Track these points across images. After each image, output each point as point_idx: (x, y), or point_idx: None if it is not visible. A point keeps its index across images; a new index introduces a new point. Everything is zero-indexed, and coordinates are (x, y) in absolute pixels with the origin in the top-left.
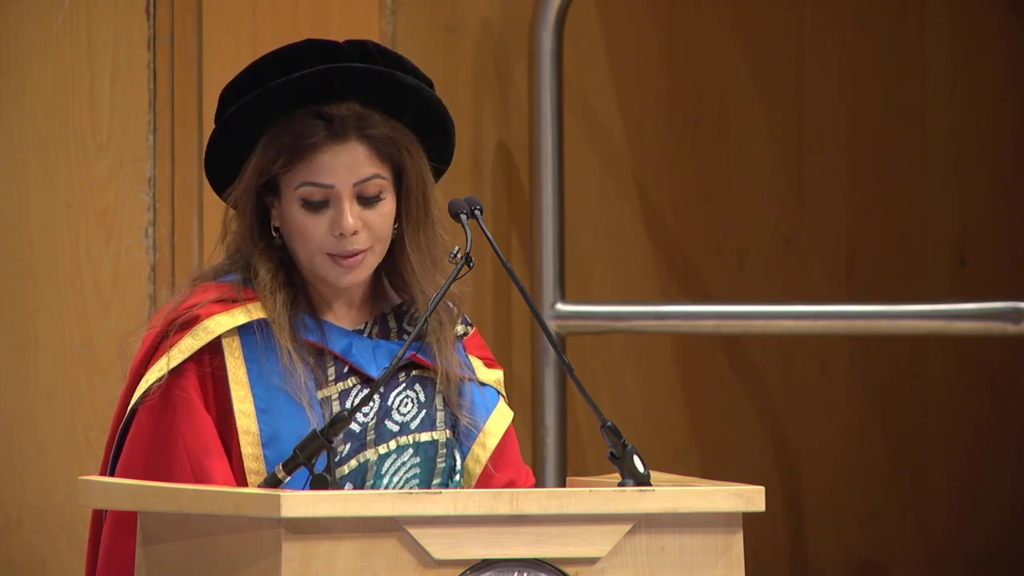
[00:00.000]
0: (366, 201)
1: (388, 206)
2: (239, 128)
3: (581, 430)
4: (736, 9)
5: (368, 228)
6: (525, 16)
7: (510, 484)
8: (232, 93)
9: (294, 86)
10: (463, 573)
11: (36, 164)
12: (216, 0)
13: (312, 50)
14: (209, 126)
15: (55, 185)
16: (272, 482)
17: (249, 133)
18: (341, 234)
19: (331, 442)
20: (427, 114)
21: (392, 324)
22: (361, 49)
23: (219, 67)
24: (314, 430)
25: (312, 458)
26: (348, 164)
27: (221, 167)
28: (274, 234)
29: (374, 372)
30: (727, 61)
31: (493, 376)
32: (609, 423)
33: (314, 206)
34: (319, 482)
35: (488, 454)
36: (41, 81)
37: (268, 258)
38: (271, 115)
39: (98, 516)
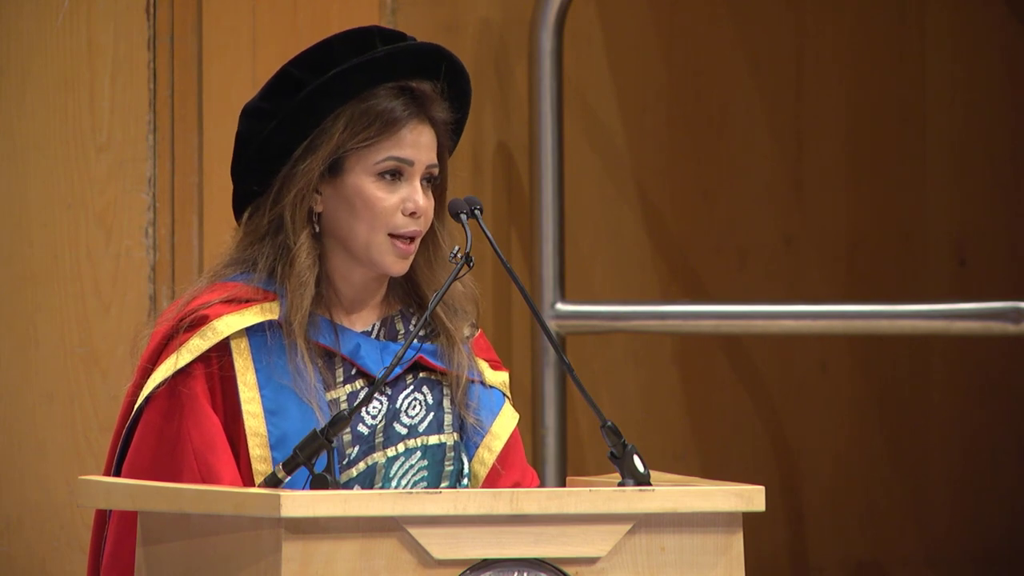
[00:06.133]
0: (425, 185)
1: (432, 198)
2: (317, 102)
3: (581, 430)
4: (736, 9)
5: (424, 213)
6: (525, 16)
7: (516, 486)
8: (305, 69)
9: (399, 57)
10: (463, 573)
11: (36, 164)
12: (216, 0)
13: (381, 35)
14: (210, 125)
15: (55, 185)
16: (272, 482)
17: (323, 109)
18: (413, 213)
19: (331, 442)
20: (462, 116)
21: (399, 326)
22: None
23: (219, 67)
24: (314, 430)
25: (312, 458)
26: (426, 143)
27: (277, 148)
28: (313, 220)
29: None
30: (727, 61)
31: (499, 378)
32: (609, 423)
33: (389, 182)
34: (319, 482)
35: (494, 457)
36: (41, 81)
37: (312, 246)
38: (352, 90)
39: (101, 517)
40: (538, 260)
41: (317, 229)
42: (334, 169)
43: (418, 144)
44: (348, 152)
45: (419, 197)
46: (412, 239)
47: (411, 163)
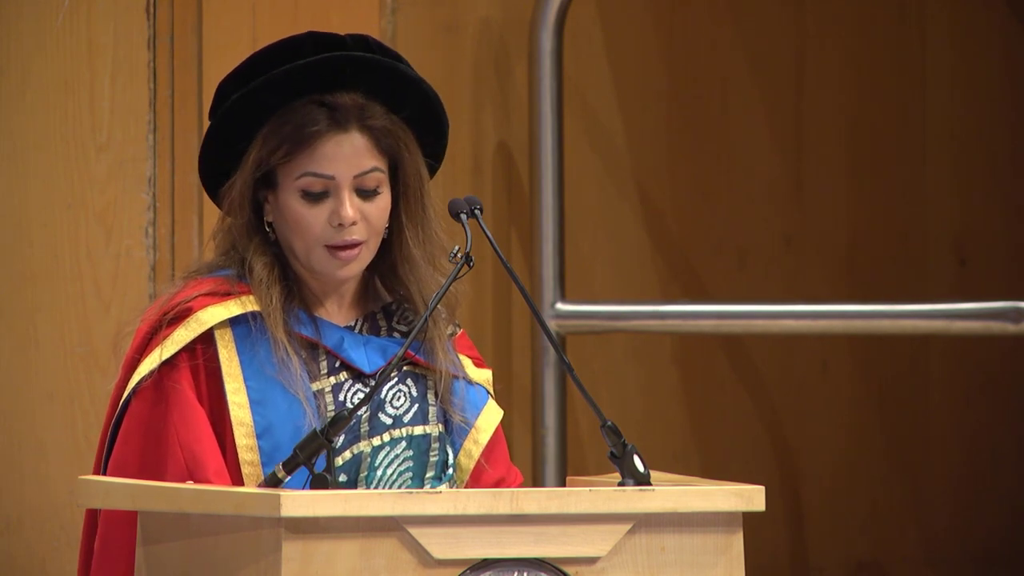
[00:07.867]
0: (365, 194)
1: (385, 200)
2: (239, 120)
3: (581, 430)
4: (736, 9)
5: (366, 220)
6: (525, 16)
7: (499, 482)
8: (232, 84)
9: (297, 74)
10: (463, 573)
11: (36, 164)
12: (216, 0)
13: (314, 41)
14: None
15: (55, 185)
16: (272, 481)
17: (248, 125)
18: (340, 224)
19: (331, 442)
20: (426, 108)
21: (382, 322)
22: (362, 42)
23: (219, 67)
24: (315, 429)
25: (312, 458)
26: (349, 155)
27: (216, 165)
28: (267, 229)
29: (366, 367)
30: (727, 61)
31: (483, 375)
32: (609, 423)
33: (314, 197)
34: (319, 482)
35: (480, 449)
36: (41, 81)
37: (263, 253)
38: (272, 105)
39: (92, 517)
40: (538, 260)
41: (273, 237)
42: (270, 183)
43: (337, 156)
44: (275, 167)
45: (346, 209)
46: (353, 246)
47: (331, 177)
